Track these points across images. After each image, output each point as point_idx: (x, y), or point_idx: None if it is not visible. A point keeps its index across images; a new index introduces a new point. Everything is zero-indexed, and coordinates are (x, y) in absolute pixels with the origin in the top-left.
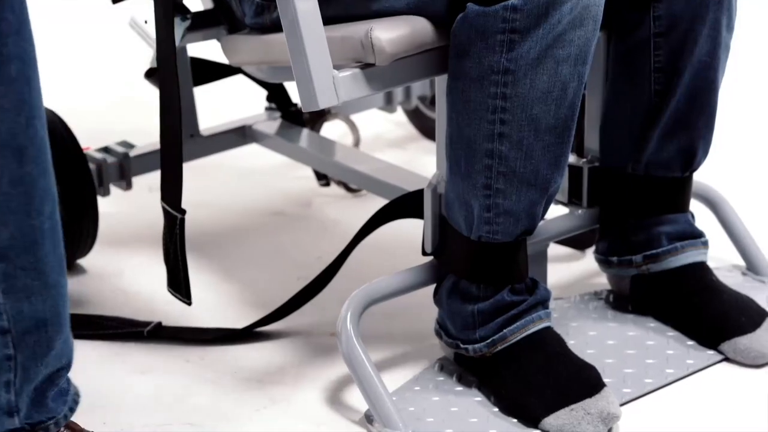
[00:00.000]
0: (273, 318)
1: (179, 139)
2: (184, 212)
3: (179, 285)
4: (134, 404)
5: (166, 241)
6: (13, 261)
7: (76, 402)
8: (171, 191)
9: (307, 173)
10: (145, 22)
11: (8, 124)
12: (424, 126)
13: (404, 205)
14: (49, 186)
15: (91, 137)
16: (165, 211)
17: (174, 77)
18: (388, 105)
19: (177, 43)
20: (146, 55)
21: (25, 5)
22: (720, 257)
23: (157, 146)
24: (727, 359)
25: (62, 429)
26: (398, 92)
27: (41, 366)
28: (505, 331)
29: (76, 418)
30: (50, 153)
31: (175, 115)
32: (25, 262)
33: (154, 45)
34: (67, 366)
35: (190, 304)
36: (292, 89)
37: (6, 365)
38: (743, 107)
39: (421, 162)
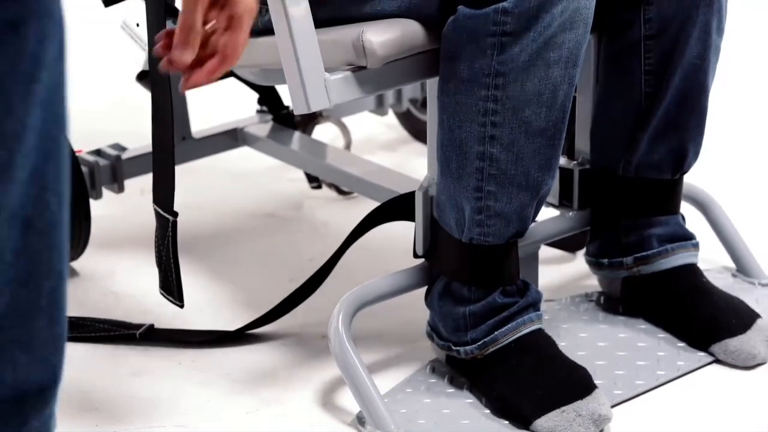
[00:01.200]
0: (265, 320)
1: (171, 142)
2: (176, 214)
3: (171, 287)
4: (126, 406)
5: (159, 243)
6: (6, 331)
7: None
8: (163, 194)
9: (299, 176)
10: (137, 24)
11: (19, 193)
12: (415, 128)
13: (395, 207)
14: (55, 263)
15: (83, 140)
16: (157, 214)
17: (166, 80)
18: (380, 108)
19: None
20: (138, 58)
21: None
22: (710, 259)
23: (149, 149)
24: (717, 361)
25: None
26: (389, 95)
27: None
28: (496, 333)
29: (66, 421)
30: (66, 231)
31: (168, 118)
32: (17, 334)
33: (146, 48)
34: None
35: (182, 306)
36: (283, 92)
37: None
38: (733, 109)
39: (412, 164)
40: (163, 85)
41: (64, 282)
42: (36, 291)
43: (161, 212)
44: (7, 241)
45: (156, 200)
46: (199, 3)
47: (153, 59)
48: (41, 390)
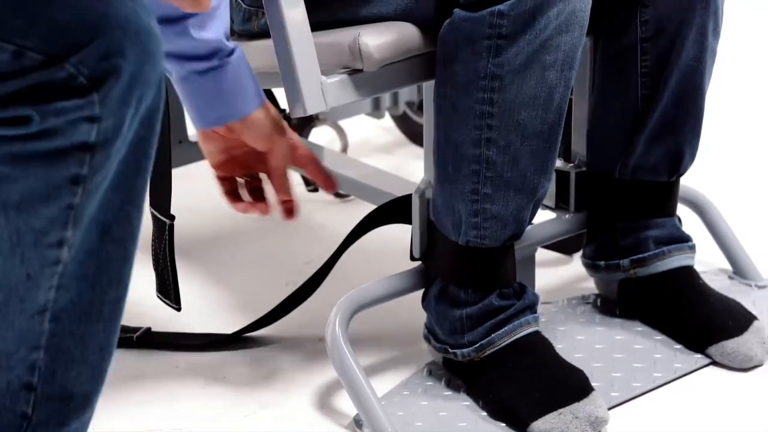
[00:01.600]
0: (262, 323)
1: (168, 145)
2: (173, 218)
3: (168, 290)
4: (124, 410)
5: (155, 246)
6: (65, 324)
7: None
8: (160, 197)
9: (296, 179)
10: None
11: (101, 199)
12: (412, 131)
13: (392, 210)
14: (124, 275)
15: None
16: (154, 217)
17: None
18: (376, 110)
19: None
20: None
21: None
22: (707, 261)
23: None
24: (714, 363)
25: None
26: (386, 98)
27: None
28: (493, 335)
29: None
30: (136, 246)
31: (165, 120)
32: (74, 328)
33: None
34: None
35: (179, 309)
36: (280, 95)
37: (19, 423)
38: (730, 111)
39: (409, 167)
40: None
41: (125, 297)
42: (100, 295)
43: (158, 215)
44: (83, 241)
45: (152, 203)
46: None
47: None
48: (86, 394)
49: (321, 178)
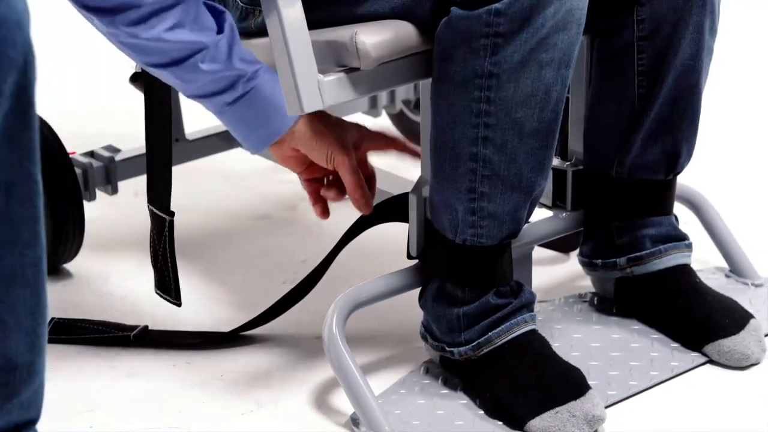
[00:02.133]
0: (259, 321)
1: (169, 142)
2: (172, 214)
3: (168, 287)
4: (121, 408)
5: (154, 243)
6: None
7: None
8: (159, 194)
9: (292, 177)
10: None
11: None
12: (409, 129)
13: (389, 208)
14: (39, 233)
15: (76, 141)
16: (153, 214)
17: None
18: (373, 109)
19: None
20: (130, 60)
21: None
22: (703, 259)
23: (143, 150)
24: (711, 361)
25: None
26: (383, 96)
27: (2, 411)
28: (490, 334)
29: (61, 422)
30: (42, 203)
31: (166, 118)
32: (2, 295)
33: None
34: (34, 420)
35: (179, 305)
36: None
37: None
38: (727, 110)
39: (405, 166)
40: (159, 85)
41: (45, 257)
42: (20, 258)
43: (157, 212)
44: None
45: (151, 200)
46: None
47: None
48: (29, 363)
49: (409, 152)
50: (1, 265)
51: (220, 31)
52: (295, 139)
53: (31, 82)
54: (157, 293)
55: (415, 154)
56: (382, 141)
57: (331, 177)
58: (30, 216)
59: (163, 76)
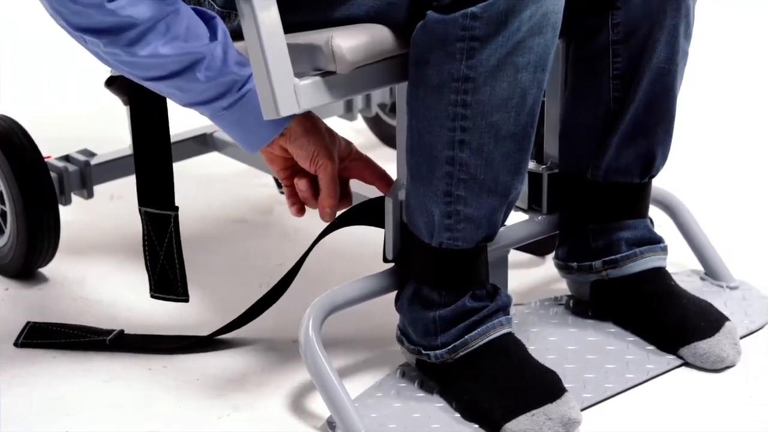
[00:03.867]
0: (235, 325)
1: (168, 141)
2: (176, 209)
3: (171, 285)
4: (97, 412)
5: (153, 245)
6: None
7: None
8: (159, 192)
9: (269, 181)
10: None
11: None
12: (384, 133)
13: (365, 212)
14: None
15: (51, 146)
16: (148, 215)
17: None
18: (348, 112)
19: None
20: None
21: None
22: (679, 262)
23: (119, 154)
24: (686, 364)
25: None
26: (358, 100)
27: None
28: (466, 337)
29: (37, 427)
30: None
31: (161, 114)
32: None
33: None
34: None
35: (187, 300)
36: None
37: None
38: (701, 113)
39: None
40: None
41: None
42: None
43: (156, 212)
44: None
45: (146, 202)
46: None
47: None
48: None
49: (381, 184)
50: None
51: (213, 36)
52: (285, 137)
53: None
54: (154, 297)
55: (383, 185)
56: (368, 171)
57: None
58: None
59: (160, 88)
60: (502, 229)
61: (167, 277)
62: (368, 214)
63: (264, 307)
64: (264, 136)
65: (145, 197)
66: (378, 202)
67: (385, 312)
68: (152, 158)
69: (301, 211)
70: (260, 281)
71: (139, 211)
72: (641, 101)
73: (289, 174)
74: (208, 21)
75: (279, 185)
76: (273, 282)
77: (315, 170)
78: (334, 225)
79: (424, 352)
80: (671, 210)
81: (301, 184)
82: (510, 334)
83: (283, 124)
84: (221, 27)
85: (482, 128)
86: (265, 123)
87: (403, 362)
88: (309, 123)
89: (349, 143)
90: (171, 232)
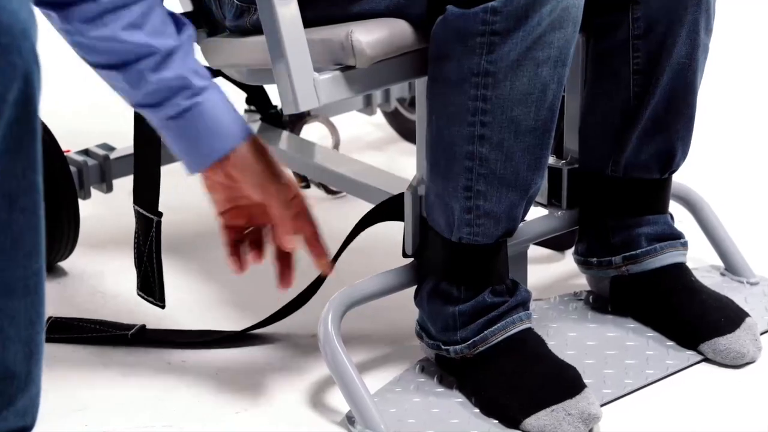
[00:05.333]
0: (265, 323)
1: (158, 141)
2: (160, 215)
3: (152, 288)
4: (115, 407)
5: (139, 244)
6: None
7: None
8: (147, 194)
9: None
10: None
11: (2, 167)
12: (403, 128)
13: (386, 208)
14: (40, 243)
15: (71, 140)
16: (139, 215)
17: None
18: (368, 107)
19: None
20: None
21: None
22: (699, 258)
23: None
24: (706, 359)
25: None
26: (377, 94)
27: None
28: (485, 332)
29: (55, 421)
30: (43, 213)
31: None
32: (3, 304)
33: None
34: (29, 428)
35: (163, 307)
36: (271, 91)
37: None
38: (722, 109)
39: (401, 164)
40: None
41: (44, 268)
42: (22, 269)
43: (144, 213)
44: None
45: (138, 201)
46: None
47: None
48: (27, 372)
49: (317, 252)
50: (1, 275)
51: (176, 39)
52: (232, 162)
53: (36, 92)
54: (139, 295)
55: (319, 255)
56: (303, 222)
57: (251, 229)
58: (32, 226)
59: (111, 78)
60: (521, 224)
61: (148, 279)
62: (389, 209)
63: (295, 307)
64: (208, 155)
65: (137, 196)
66: (399, 198)
67: (404, 307)
68: (141, 160)
69: (242, 267)
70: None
71: (133, 208)
72: (661, 96)
73: (230, 211)
74: (180, 27)
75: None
76: None
77: (263, 199)
78: (362, 225)
79: (443, 347)
80: (691, 205)
81: (251, 254)
82: (530, 330)
83: (230, 146)
84: (189, 33)
85: (502, 123)
86: (210, 141)
87: (422, 357)
88: (261, 152)
89: (297, 187)
90: (152, 237)
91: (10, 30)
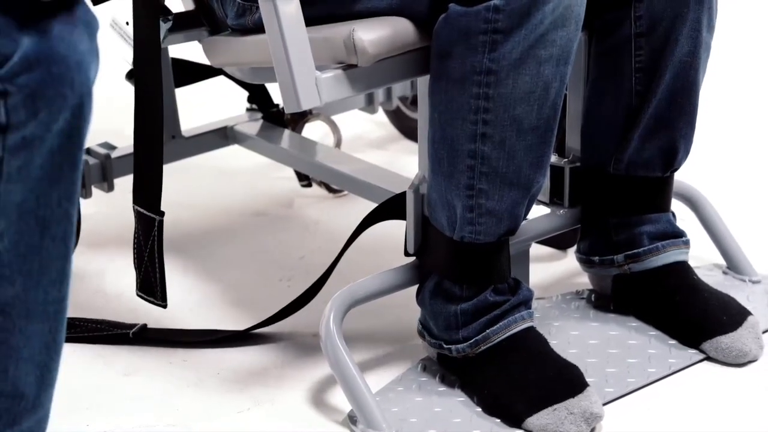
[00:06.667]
0: (267, 323)
1: (160, 140)
2: (162, 214)
3: (153, 288)
4: (118, 406)
5: (140, 244)
6: (12, 319)
7: None
8: (149, 193)
9: (289, 174)
10: (127, 23)
11: (38, 193)
12: (405, 126)
13: (390, 207)
14: (66, 272)
15: None
16: (139, 214)
17: (154, 77)
18: (369, 105)
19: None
20: (127, 57)
21: None
22: (701, 256)
23: None
24: (708, 358)
25: None
26: (379, 93)
27: None
28: (488, 331)
29: (57, 420)
30: (74, 245)
31: (157, 116)
32: (22, 326)
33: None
34: None
35: (165, 306)
36: (273, 90)
37: None
38: (724, 106)
39: (402, 162)
40: (151, 82)
41: (68, 297)
42: (44, 295)
43: (145, 213)
44: (22, 234)
45: (139, 201)
46: None
47: (143, 56)
48: (36, 395)
49: None
50: (25, 298)
51: None
52: None
53: (84, 124)
54: (139, 295)
55: None
56: None
57: None
58: (61, 254)
59: None
60: (524, 222)
61: (149, 279)
62: (392, 208)
63: (298, 307)
64: None
65: (137, 195)
66: (401, 197)
67: (406, 306)
68: (146, 158)
69: None
70: (281, 275)
71: (133, 208)
72: (663, 94)
73: None
74: None
75: (300, 178)
76: (293, 275)
77: None
78: (365, 224)
79: (445, 346)
80: (693, 204)
81: None
82: (532, 329)
83: None
84: None
85: (504, 121)
86: None
87: (425, 356)
88: None
89: None
90: (154, 237)
91: (64, 60)
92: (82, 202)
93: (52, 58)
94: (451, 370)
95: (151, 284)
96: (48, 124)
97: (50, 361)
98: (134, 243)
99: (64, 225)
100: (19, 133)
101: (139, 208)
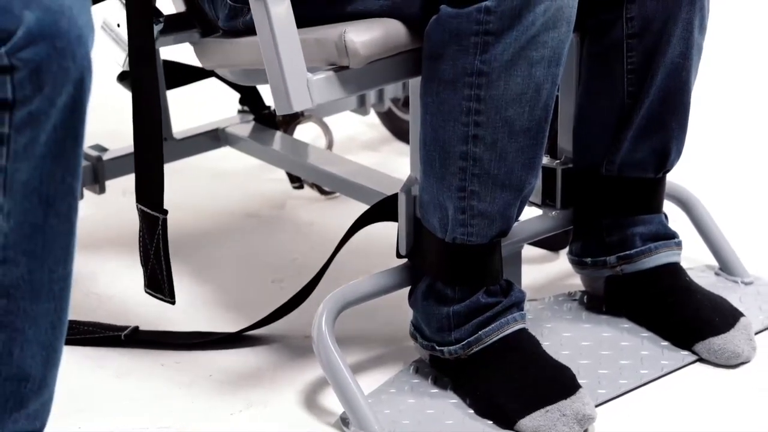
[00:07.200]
0: (259, 325)
1: (159, 140)
2: (165, 212)
3: (161, 285)
4: (110, 408)
5: (145, 242)
6: (17, 301)
7: None
8: (150, 192)
9: (281, 176)
10: (118, 25)
11: (41, 170)
12: (397, 128)
13: (382, 209)
14: (71, 249)
15: None
16: (143, 213)
17: (150, 78)
18: (361, 107)
19: None
20: (118, 59)
21: None
22: (693, 258)
23: (131, 149)
24: (701, 360)
25: None
26: (371, 94)
27: (9, 420)
28: (480, 333)
29: (50, 423)
30: (77, 219)
31: (155, 116)
32: (27, 307)
33: (127, 48)
34: (39, 430)
35: (173, 303)
36: (265, 92)
37: None
38: (716, 108)
39: (394, 164)
40: (147, 83)
41: (72, 274)
42: (49, 273)
43: (149, 211)
44: (26, 213)
45: (141, 200)
46: None
47: (138, 57)
48: (42, 376)
49: None
50: (30, 278)
51: None
52: None
53: (86, 98)
54: (147, 292)
55: None
56: None
57: None
58: (65, 231)
59: None
60: (516, 224)
61: (156, 276)
62: (383, 210)
63: (290, 309)
64: None
65: (140, 194)
66: (393, 199)
67: (398, 308)
68: (144, 159)
69: None
70: (272, 276)
71: (137, 207)
72: (655, 96)
73: None
74: None
75: (292, 180)
76: (285, 277)
77: None
78: (357, 226)
79: (437, 347)
80: (686, 205)
81: None
82: (524, 330)
83: None
84: None
85: (496, 123)
86: None
87: (417, 358)
88: None
89: None
90: (159, 235)
91: (66, 35)
92: None
93: (56, 33)
94: (444, 371)
95: (159, 281)
96: (53, 98)
97: (55, 340)
98: (140, 241)
99: (68, 200)
100: (25, 108)
101: (143, 207)
